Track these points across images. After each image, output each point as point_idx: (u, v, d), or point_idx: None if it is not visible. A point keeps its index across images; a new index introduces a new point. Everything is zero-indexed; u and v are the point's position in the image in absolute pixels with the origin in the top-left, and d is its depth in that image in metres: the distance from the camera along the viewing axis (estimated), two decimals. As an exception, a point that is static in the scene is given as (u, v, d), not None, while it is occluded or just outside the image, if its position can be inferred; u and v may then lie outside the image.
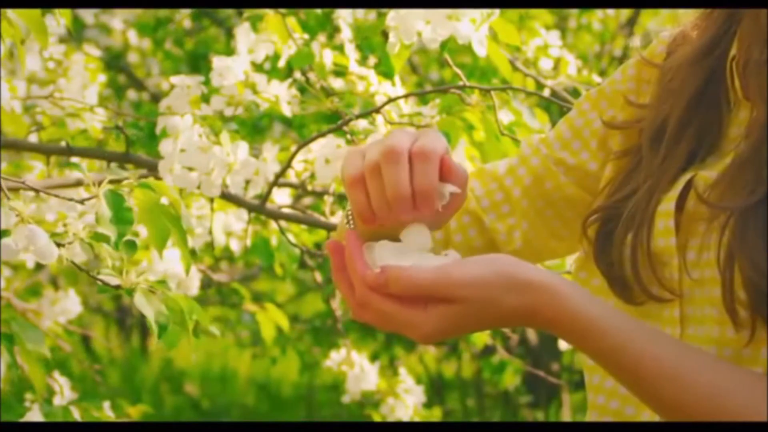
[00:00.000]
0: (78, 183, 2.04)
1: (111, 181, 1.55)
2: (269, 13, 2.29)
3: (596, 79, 2.75)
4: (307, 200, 2.87)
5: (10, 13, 1.59)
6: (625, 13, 4.36)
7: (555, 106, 2.22)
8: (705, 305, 1.11)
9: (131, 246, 1.54)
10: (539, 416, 4.91)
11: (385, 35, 2.06)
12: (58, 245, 1.56)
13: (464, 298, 0.99)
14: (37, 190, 1.78)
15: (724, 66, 1.17)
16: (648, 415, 1.14)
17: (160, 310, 1.51)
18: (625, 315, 1.03)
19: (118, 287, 1.52)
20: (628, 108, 1.24)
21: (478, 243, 1.29)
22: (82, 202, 1.58)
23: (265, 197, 2.16)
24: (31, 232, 1.53)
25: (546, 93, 2.39)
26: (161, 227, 1.57)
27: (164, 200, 1.58)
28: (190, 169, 1.97)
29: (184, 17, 4.10)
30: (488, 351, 4.34)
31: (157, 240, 1.57)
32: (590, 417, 1.19)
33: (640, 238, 1.14)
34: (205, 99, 2.16)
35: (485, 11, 1.87)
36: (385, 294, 0.99)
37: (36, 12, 1.60)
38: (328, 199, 2.32)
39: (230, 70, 2.17)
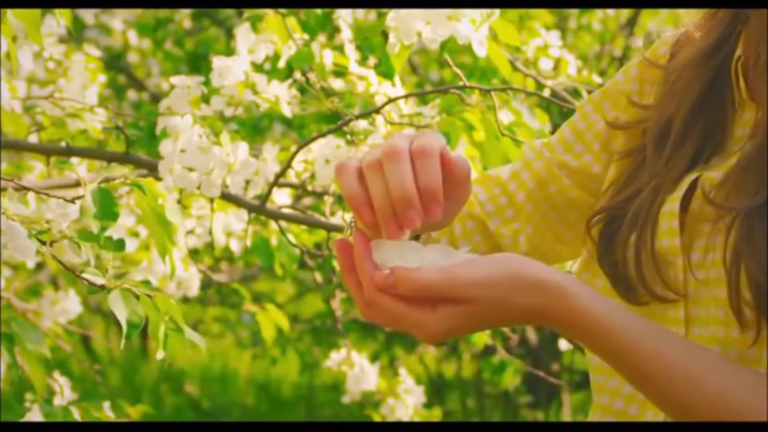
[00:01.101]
0: (78, 183, 2.03)
1: (107, 180, 1.55)
2: (269, 13, 2.28)
3: (596, 79, 2.75)
4: (307, 200, 2.87)
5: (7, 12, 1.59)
6: (625, 13, 4.36)
7: (555, 106, 2.21)
8: (710, 306, 1.11)
9: (119, 245, 1.54)
10: (539, 416, 4.91)
11: (385, 35, 2.06)
12: (43, 243, 1.56)
13: (472, 298, 0.98)
14: (27, 189, 1.77)
15: (729, 67, 1.17)
16: (652, 415, 1.14)
17: (136, 311, 1.51)
18: (633, 314, 1.03)
19: (103, 287, 1.52)
20: (631, 108, 1.24)
21: (484, 248, 1.29)
22: (73, 201, 1.58)
23: (265, 197, 2.16)
24: (9, 228, 1.53)
25: (546, 93, 2.39)
26: (162, 231, 1.57)
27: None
28: (190, 169, 1.97)
29: (184, 17, 4.11)
30: (488, 351, 4.34)
31: (158, 242, 1.57)
32: (594, 417, 1.19)
33: (644, 238, 1.14)
34: (205, 99, 2.16)
35: (485, 11, 1.87)
36: (394, 294, 0.99)
37: (35, 11, 1.60)
38: (328, 200, 2.32)
39: (230, 70, 2.17)
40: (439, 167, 1.00)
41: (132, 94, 4.46)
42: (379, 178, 1.00)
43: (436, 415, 3.02)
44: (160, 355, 1.55)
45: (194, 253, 2.93)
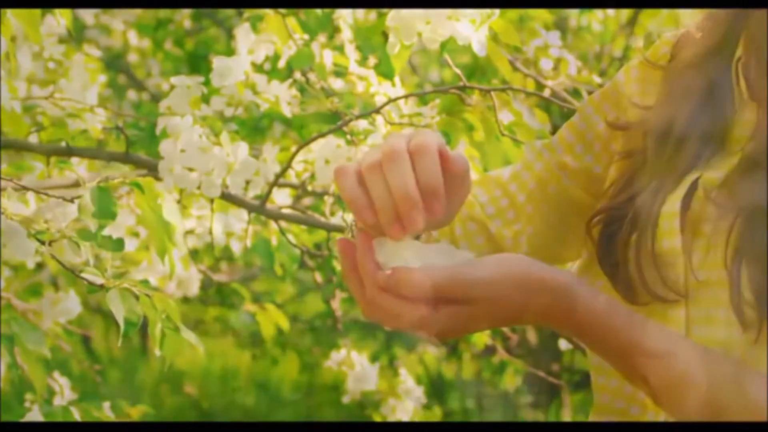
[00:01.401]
0: (77, 183, 2.04)
1: (106, 179, 1.56)
2: (269, 13, 2.28)
3: (596, 79, 2.75)
4: (307, 200, 2.87)
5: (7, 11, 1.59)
6: (625, 13, 4.36)
7: (555, 106, 2.21)
8: (711, 306, 1.10)
9: (118, 244, 1.54)
10: (539, 416, 4.91)
11: (385, 35, 2.06)
12: (42, 243, 1.56)
13: (474, 298, 0.99)
14: (27, 189, 1.78)
15: (729, 67, 1.17)
16: (652, 415, 1.14)
17: (134, 309, 1.51)
18: (634, 314, 1.04)
19: (102, 286, 1.53)
20: (632, 109, 1.23)
21: (486, 250, 1.29)
22: (72, 200, 1.58)
23: (265, 197, 2.16)
24: (9, 228, 1.53)
25: (546, 93, 2.39)
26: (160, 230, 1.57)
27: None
28: (190, 169, 1.97)
29: (184, 17, 4.10)
30: (488, 351, 4.34)
31: (157, 242, 1.57)
32: (595, 417, 1.19)
33: (644, 238, 1.14)
34: (205, 99, 2.16)
35: (485, 11, 1.87)
36: (396, 294, 0.99)
37: (35, 11, 1.60)
38: (328, 200, 2.32)
39: (230, 70, 2.17)
40: (439, 164, 1.01)
41: (132, 94, 4.46)
42: (379, 179, 1.00)
43: (436, 415, 3.02)
44: (158, 352, 1.56)
45: (194, 253, 2.93)
